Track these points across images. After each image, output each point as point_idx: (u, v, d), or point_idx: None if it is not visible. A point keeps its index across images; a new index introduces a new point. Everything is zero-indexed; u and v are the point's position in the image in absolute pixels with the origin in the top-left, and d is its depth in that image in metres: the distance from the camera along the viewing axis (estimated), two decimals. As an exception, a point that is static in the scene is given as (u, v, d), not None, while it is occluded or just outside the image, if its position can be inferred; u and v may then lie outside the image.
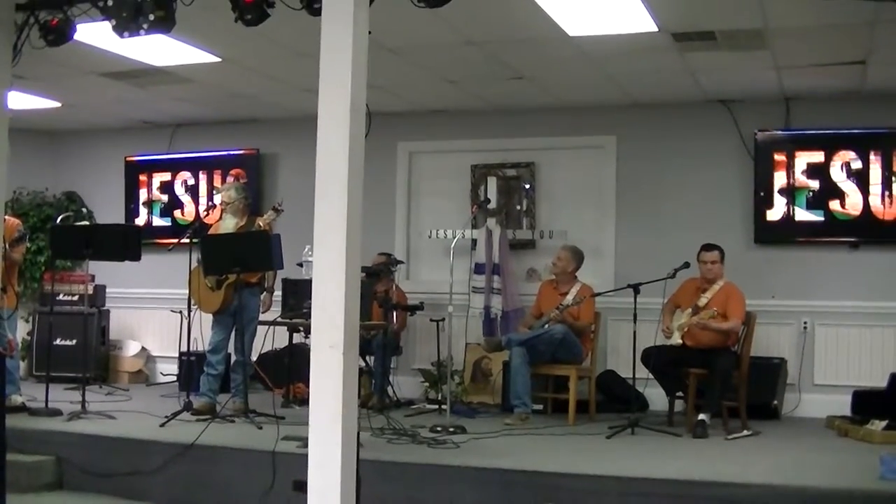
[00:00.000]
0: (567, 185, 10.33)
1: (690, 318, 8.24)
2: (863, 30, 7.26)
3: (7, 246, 7.95)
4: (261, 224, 8.36)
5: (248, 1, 5.00)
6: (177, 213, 11.68)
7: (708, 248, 8.47)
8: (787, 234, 9.45)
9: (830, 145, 9.29)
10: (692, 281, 8.54)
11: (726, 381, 8.02)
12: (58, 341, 10.36)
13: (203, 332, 8.74)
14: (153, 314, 11.40)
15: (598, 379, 9.26)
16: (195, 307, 8.70)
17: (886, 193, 9.11)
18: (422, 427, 7.69)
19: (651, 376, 8.43)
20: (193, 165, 11.62)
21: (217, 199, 10.92)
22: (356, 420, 4.51)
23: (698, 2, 6.86)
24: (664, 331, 8.39)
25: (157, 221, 11.75)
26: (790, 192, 9.40)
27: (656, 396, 8.94)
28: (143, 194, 11.84)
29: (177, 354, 10.31)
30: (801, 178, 9.37)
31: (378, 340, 9.14)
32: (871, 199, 9.17)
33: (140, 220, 11.71)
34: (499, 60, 8.49)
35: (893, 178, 9.10)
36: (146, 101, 10.49)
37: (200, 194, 11.55)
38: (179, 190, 11.68)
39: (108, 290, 11.27)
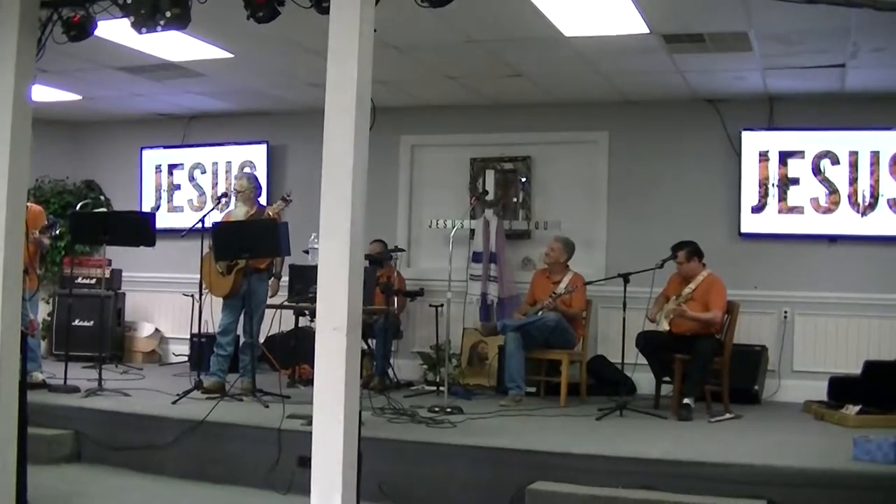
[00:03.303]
0: (561, 178, 10.33)
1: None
2: (842, 35, 7.26)
3: (37, 232, 8.00)
4: (270, 213, 8.37)
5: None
6: (189, 201, 11.69)
7: (675, 248, 8.49)
8: (769, 227, 9.45)
9: (811, 144, 9.29)
10: (677, 275, 8.57)
11: (706, 366, 8.03)
12: (76, 322, 10.40)
13: (213, 314, 8.76)
14: (166, 297, 11.41)
15: (589, 363, 9.28)
16: (206, 291, 8.71)
17: (862, 191, 9.12)
18: (420, 407, 7.70)
19: (639, 361, 8.44)
20: (206, 156, 11.62)
21: (222, 188, 11.04)
22: (358, 400, 4.51)
23: (687, 5, 6.84)
24: (649, 317, 8.40)
25: (171, 209, 11.76)
26: (772, 187, 9.41)
27: (644, 380, 8.95)
28: (157, 183, 11.85)
29: (188, 336, 10.32)
30: (782, 175, 9.38)
31: (380, 324, 9.15)
32: (848, 196, 9.18)
33: (154, 208, 11.71)
34: (498, 58, 8.48)
35: (869, 177, 9.11)
36: (162, 95, 10.48)
37: (212, 184, 11.55)
38: (192, 179, 11.68)
39: (123, 274, 11.27)
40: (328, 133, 4.46)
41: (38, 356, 8.80)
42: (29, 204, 8.64)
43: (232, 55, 8.52)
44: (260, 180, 9.26)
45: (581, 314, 9.00)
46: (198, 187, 11.66)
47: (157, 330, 11.63)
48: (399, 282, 9.84)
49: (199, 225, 8.72)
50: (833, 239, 9.30)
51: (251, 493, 6.40)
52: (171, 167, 11.82)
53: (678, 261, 8.44)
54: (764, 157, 9.44)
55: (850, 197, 9.18)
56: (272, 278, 8.76)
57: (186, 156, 11.73)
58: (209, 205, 10.85)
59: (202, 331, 9.05)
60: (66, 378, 8.32)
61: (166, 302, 11.46)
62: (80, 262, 11.00)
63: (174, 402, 7.67)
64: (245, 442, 6.72)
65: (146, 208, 11.65)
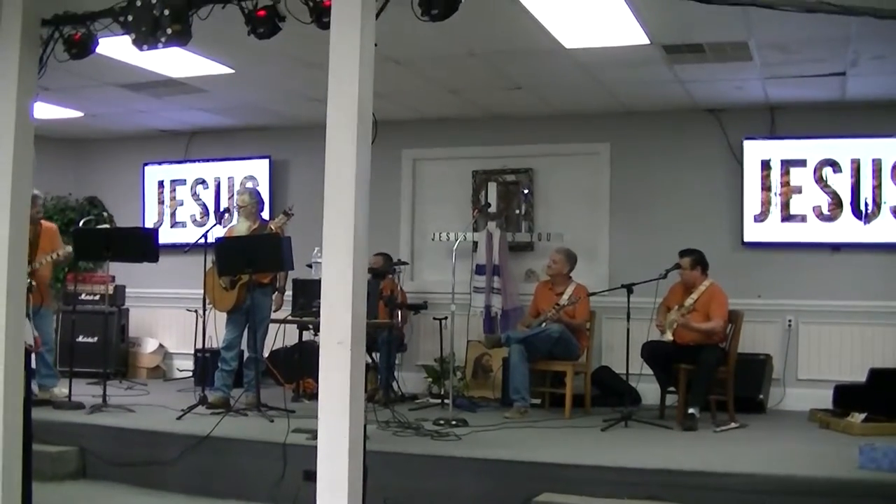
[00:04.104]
0: (563, 189, 10.34)
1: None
2: (842, 44, 7.28)
3: (69, 248, 8.31)
4: (272, 227, 8.38)
5: (261, 15, 5.01)
6: (192, 216, 11.70)
7: (682, 253, 8.51)
8: (772, 236, 9.45)
9: (813, 152, 9.30)
10: (679, 284, 8.56)
11: (711, 376, 8.02)
12: (80, 338, 10.37)
13: (217, 329, 8.78)
14: (170, 313, 11.41)
15: (594, 374, 9.26)
16: (210, 306, 8.72)
17: (865, 198, 9.12)
18: (425, 420, 7.70)
19: (644, 371, 8.46)
20: (208, 171, 11.65)
21: (224, 203, 11.08)
22: (363, 413, 4.51)
23: (687, 16, 6.85)
24: (658, 326, 8.39)
25: (174, 225, 11.79)
26: (775, 196, 9.41)
27: (649, 391, 8.95)
28: (160, 199, 11.87)
29: (192, 351, 10.31)
30: (785, 184, 9.38)
31: (383, 337, 9.15)
32: (850, 203, 9.18)
33: (157, 224, 11.73)
34: (499, 71, 8.50)
35: (871, 184, 9.12)
36: (163, 111, 10.51)
37: (215, 199, 11.57)
38: (195, 195, 11.71)
39: (127, 289, 11.27)
40: (330, 147, 4.47)
41: (56, 372, 8.79)
42: (44, 222, 8.76)
43: (233, 71, 8.54)
44: (262, 195, 9.28)
45: (585, 325, 8.99)
46: (200, 202, 11.68)
47: (161, 345, 11.63)
48: (401, 296, 9.84)
49: (203, 240, 8.74)
50: (836, 247, 9.30)
51: (256, 508, 6.41)
52: (174, 183, 11.83)
53: (682, 266, 8.44)
54: (766, 165, 9.45)
55: (852, 205, 9.18)
56: (276, 293, 8.77)
57: (189, 171, 11.76)
58: (212, 220, 10.87)
59: (206, 346, 9.06)
60: (70, 394, 8.32)
61: (170, 317, 11.47)
62: (83, 279, 11.02)
63: (179, 418, 7.67)
64: (250, 457, 6.72)
65: (149, 224, 11.67)
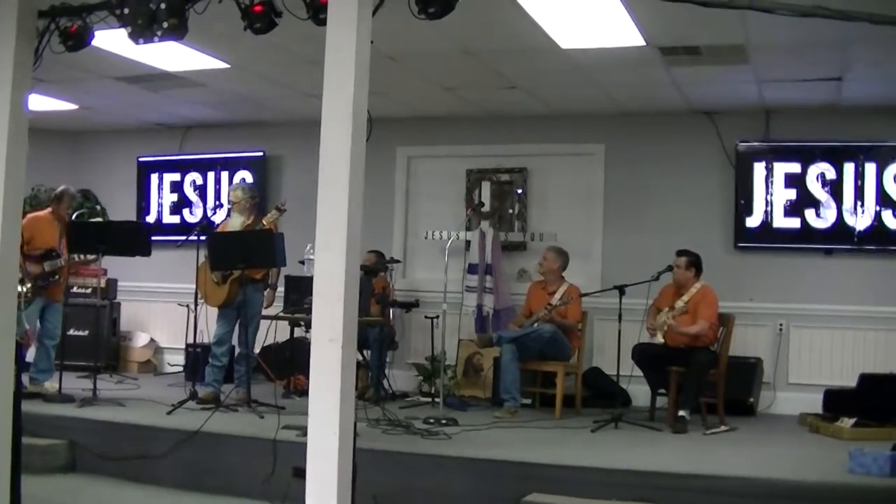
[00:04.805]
0: (557, 190, 10.33)
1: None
2: (838, 48, 7.29)
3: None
4: (265, 223, 8.37)
5: (258, 10, 5.00)
6: (185, 211, 11.68)
7: (679, 253, 8.51)
8: (765, 240, 9.47)
9: (807, 156, 9.31)
10: (670, 286, 8.56)
11: (702, 379, 8.02)
12: (71, 332, 10.34)
13: (209, 324, 8.76)
14: (162, 307, 11.39)
15: (585, 375, 9.26)
16: (202, 301, 8.70)
17: (858, 203, 9.14)
18: (415, 419, 7.69)
19: (635, 373, 8.46)
20: (202, 166, 11.62)
21: (223, 198, 11.06)
22: (353, 411, 4.50)
23: (684, 18, 6.83)
24: (649, 328, 8.40)
25: (167, 219, 11.76)
26: (768, 200, 9.42)
27: (639, 392, 8.95)
28: (154, 193, 11.85)
29: (184, 346, 10.31)
30: (779, 187, 9.39)
31: (375, 335, 9.13)
32: (844, 208, 9.20)
33: (151, 218, 11.71)
34: (494, 70, 8.50)
35: (865, 190, 9.13)
36: (159, 105, 10.49)
37: (208, 194, 11.55)
38: (189, 189, 11.68)
39: (119, 283, 11.26)
40: (324, 144, 4.46)
41: (52, 366, 8.74)
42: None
43: (229, 65, 8.53)
44: (256, 191, 9.26)
45: (577, 326, 8.98)
46: (194, 197, 11.64)
47: (152, 340, 11.61)
48: (390, 293, 9.83)
49: (195, 235, 8.72)
50: (828, 251, 9.31)
51: (246, 504, 6.41)
52: (168, 176, 11.80)
53: (676, 264, 8.43)
54: (759, 169, 9.45)
55: (845, 209, 9.19)
56: (268, 289, 8.76)
57: (183, 165, 11.72)
58: (205, 214, 10.85)
59: (197, 341, 9.03)
60: (60, 387, 8.29)
61: (162, 311, 11.45)
62: (75, 272, 10.96)
63: (169, 413, 7.65)
64: (240, 453, 6.71)
65: (142, 218, 11.64)
